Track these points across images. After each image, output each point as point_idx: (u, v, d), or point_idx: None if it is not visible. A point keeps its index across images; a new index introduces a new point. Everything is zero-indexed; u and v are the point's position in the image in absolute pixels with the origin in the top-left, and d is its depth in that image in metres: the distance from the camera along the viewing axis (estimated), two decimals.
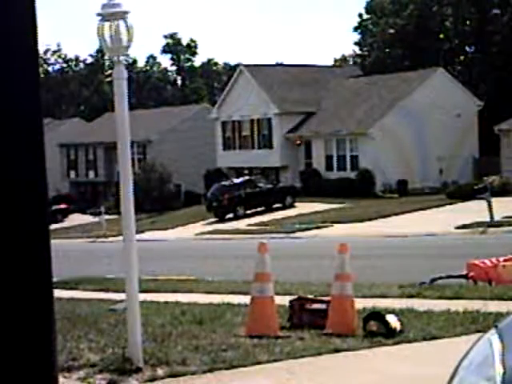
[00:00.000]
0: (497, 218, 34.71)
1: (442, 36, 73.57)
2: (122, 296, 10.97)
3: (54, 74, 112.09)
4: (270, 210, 51.54)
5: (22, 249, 3.04)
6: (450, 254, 24.33)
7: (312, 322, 10.30)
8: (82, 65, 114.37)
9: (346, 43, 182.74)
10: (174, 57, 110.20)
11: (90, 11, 8.31)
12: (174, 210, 61.16)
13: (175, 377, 7.96)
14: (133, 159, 12.62)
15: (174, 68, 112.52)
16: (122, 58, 8.42)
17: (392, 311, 10.70)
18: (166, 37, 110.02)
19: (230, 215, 51.30)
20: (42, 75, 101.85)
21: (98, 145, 75.52)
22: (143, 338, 8.74)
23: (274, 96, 61.15)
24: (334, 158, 57.92)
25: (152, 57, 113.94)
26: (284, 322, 10.44)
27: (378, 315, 9.90)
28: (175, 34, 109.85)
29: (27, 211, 3.05)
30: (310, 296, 11.08)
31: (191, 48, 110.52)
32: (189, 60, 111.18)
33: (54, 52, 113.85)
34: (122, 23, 8.23)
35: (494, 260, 16.19)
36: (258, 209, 51.69)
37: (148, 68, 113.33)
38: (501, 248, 20.55)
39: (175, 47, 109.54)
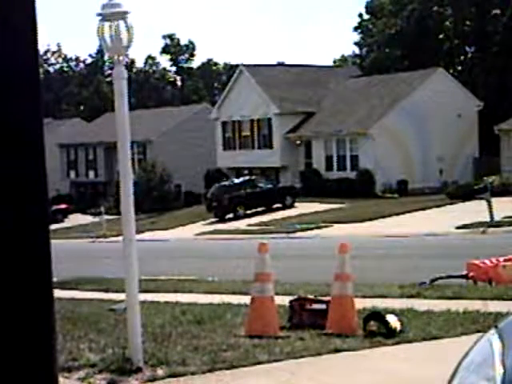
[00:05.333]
0: (497, 218, 34.69)
1: (441, 36, 73.56)
2: (121, 296, 10.96)
3: (54, 74, 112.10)
4: (270, 210, 51.54)
5: (23, 249, 3.04)
6: (450, 253, 24.33)
7: (312, 322, 10.30)
8: (82, 65, 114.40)
9: (345, 43, 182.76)
10: (173, 57, 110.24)
11: (90, 11, 8.31)
12: (174, 210, 61.15)
13: (175, 377, 7.96)
14: (133, 159, 12.62)
15: (173, 68, 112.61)
16: (122, 58, 8.42)
17: (392, 311, 10.70)
18: (164, 37, 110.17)
19: (230, 215, 51.29)
20: (42, 75, 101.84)
21: (98, 145, 75.50)
22: (143, 338, 8.74)
23: (274, 96, 61.14)
24: (334, 158, 57.92)
25: (151, 57, 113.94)
26: (284, 322, 10.44)
27: (377, 315, 9.90)
28: (173, 34, 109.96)
29: (27, 211, 3.05)
30: (310, 296, 11.08)
31: (189, 49, 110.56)
32: (188, 60, 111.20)
33: (54, 52, 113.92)
34: (122, 23, 8.23)
35: (494, 260, 16.19)
36: (258, 209, 51.68)
37: (148, 68, 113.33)
38: (501, 248, 20.55)
39: (174, 48, 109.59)
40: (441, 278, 15.92)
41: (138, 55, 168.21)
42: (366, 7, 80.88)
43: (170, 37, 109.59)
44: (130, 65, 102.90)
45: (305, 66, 67.68)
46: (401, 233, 35.06)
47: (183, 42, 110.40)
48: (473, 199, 40.19)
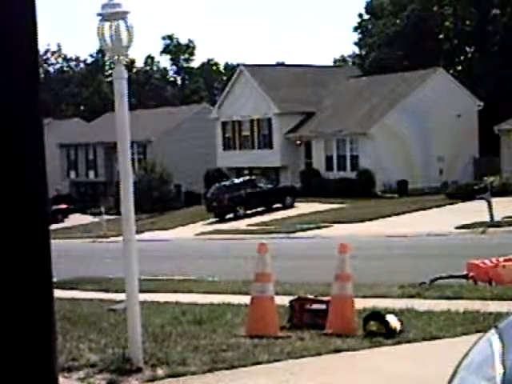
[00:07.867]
0: (497, 218, 34.69)
1: (441, 36, 73.56)
2: (121, 296, 10.96)
3: (54, 74, 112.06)
4: (270, 210, 51.52)
5: (22, 249, 3.04)
6: (450, 253, 24.33)
7: (312, 322, 10.30)
8: (82, 65, 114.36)
9: (345, 43, 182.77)
10: (173, 57, 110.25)
11: (90, 11, 8.31)
12: (174, 210, 61.14)
13: (175, 377, 7.96)
14: (133, 159, 12.63)
15: (173, 68, 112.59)
16: (122, 58, 8.42)
17: (392, 311, 10.70)
18: (163, 38, 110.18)
19: (230, 215, 51.28)
20: (42, 75, 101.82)
21: (98, 145, 75.47)
22: (143, 338, 8.74)
23: (274, 96, 61.13)
24: (334, 158, 57.91)
25: (150, 57, 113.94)
26: (284, 322, 10.44)
27: (377, 315, 9.89)
28: (172, 34, 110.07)
29: (27, 211, 3.05)
30: (310, 296, 11.07)
31: (189, 49, 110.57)
32: (187, 60, 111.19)
33: (54, 52, 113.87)
34: (122, 23, 8.23)
35: (494, 260, 16.20)
36: (258, 209, 51.67)
37: (148, 68, 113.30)
38: (501, 248, 20.55)
39: (174, 48, 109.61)
40: (441, 277, 15.93)
41: (138, 55, 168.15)
42: (366, 7, 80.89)
43: (170, 37, 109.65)
44: (130, 65, 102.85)
45: (305, 66, 67.66)
46: (401, 233, 35.04)
47: (183, 41, 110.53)
48: (473, 199, 40.16)
